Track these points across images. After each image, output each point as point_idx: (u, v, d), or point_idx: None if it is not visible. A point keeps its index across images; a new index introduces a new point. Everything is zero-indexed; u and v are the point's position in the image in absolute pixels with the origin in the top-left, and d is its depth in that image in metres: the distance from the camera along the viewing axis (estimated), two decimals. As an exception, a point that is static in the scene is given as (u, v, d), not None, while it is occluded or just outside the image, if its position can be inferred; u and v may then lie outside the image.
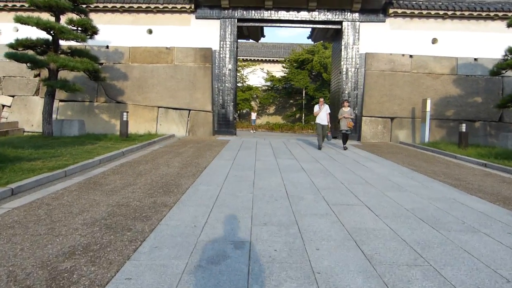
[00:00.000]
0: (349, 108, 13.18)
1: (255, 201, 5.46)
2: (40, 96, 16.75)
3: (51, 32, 12.52)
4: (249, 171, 7.81)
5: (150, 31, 17.23)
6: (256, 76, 43.70)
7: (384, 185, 6.80)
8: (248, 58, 45.53)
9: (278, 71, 44.66)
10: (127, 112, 13.27)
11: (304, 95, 41.75)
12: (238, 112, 44.31)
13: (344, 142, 12.98)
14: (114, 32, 17.09)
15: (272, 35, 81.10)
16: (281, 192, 6.01)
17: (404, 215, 4.95)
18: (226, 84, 17.07)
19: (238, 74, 43.67)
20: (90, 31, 13.22)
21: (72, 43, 13.98)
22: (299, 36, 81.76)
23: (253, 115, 30.22)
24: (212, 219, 4.56)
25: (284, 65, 42.96)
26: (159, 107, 16.90)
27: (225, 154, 10.53)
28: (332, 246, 3.78)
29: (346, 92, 16.95)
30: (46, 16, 13.04)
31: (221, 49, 17.07)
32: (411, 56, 16.88)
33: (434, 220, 4.76)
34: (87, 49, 14.53)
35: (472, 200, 5.94)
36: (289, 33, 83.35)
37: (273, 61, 46.69)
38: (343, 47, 16.94)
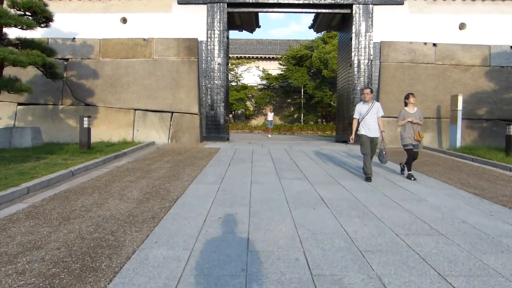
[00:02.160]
0: (416, 108, 8.02)
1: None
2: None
3: (-12, 16, 9.77)
4: (242, 208, 5.10)
5: (124, 20, 14.50)
6: (251, 75, 41.03)
7: (466, 237, 4.11)
8: (242, 55, 42.84)
9: (274, 69, 42.00)
10: (89, 117, 10.51)
11: (302, 93, 39.04)
12: (233, 113, 41.58)
13: (410, 166, 7.65)
14: (82, 21, 14.35)
15: (267, 34, 78.58)
16: (297, 266, 3.30)
17: None
18: (216, 81, 14.35)
19: (232, 72, 40.94)
20: (41, 16, 10.46)
21: (28, 33, 11.21)
22: (296, 34, 79.04)
23: (269, 116, 23.81)
24: None
25: (281, 62, 40.28)
26: (135, 109, 14.16)
27: (210, 173, 7.82)
28: None
29: (358, 88, 14.28)
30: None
31: (209, 39, 14.35)
32: (434, 44, 14.24)
33: None
34: (41, 40, 11.77)
35: None
36: (285, 32, 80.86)
37: (269, 59, 44.01)
38: (353, 35, 14.26)
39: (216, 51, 14.34)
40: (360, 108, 7.52)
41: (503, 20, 14.18)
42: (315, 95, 36.32)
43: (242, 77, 40.75)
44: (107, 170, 8.06)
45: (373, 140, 7.46)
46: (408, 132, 7.72)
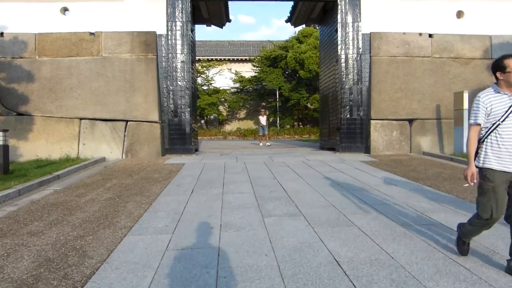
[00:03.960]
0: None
1: None
2: None
3: None
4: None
5: (65, 10, 11.97)
6: (223, 78, 38.73)
7: None
8: (214, 57, 40.55)
9: (248, 71, 39.86)
10: (5, 131, 7.94)
11: (278, 96, 37.01)
12: (205, 118, 39.10)
13: None
14: (12, 12, 11.74)
15: (238, 38, 76.65)
16: None
17: None
18: (179, 83, 12.01)
19: (202, 75, 38.43)
20: None
21: None
22: (267, 37, 77.38)
23: (262, 119, 18.93)
24: None
25: (254, 63, 38.20)
26: (81, 118, 11.63)
27: (162, 208, 5.50)
28: None
29: (346, 87, 12.27)
30: None
31: (170, 33, 12.01)
32: (430, 35, 12.42)
33: None
34: None
35: None
36: (256, 36, 79.24)
37: (241, 60, 41.87)
38: (339, 26, 12.25)
39: (179, 47, 12.01)
40: (491, 103, 3.15)
41: (505, 7, 12.53)
42: (291, 97, 34.41)
43: (213, 80, 38.47)
44: (13, 208, 5.61)
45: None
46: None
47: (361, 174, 8.14)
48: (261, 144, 18.58)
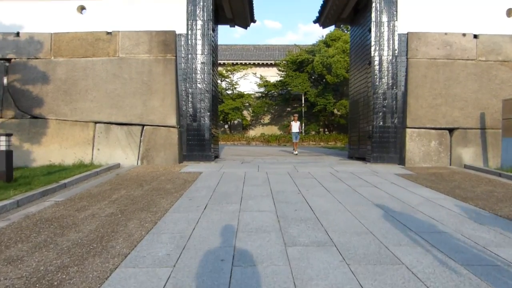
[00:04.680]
0: None
1: None
2: None
3: None
4: None
5: (82, 8, 11.50)
6: (248, 82, 38.10)
7: None
8: (239, 62, 40.03)
9: (273, 75, 39.08)
10: (9, 135, 7.37)
11: (303, 101, 36.01)
12: (228, 123, 38.49)
13: None
14: (27, 11, 11.36)
15: (264, 42, 76.18)
16: None
17: None
18: (199, 85, 11.30)
19: (227, 79, 37.91)
20: None
21: None
22: (293, 43, 76.45)
23: (295, 126, 17.25)
24: None
25: (279, 68, 37.39)
26: (96, 122, 11.08)
27: (168, 229, 4.71)
28: None
29: (380, 92, 11.24)
30: None
31: (190, 32, 11.34)
32: (475, 36, 11.26)
33: None
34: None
35: None
36: (282, 42, 78.55)
37: (267, 65, 41.14)
38: (373, 25, 11.26)
39: (199, 47, 11.31)
40: None
41: (561, 4, 11.23)
42: (317, 102, 33.36)
43: (238, 84, 37.90)
44: (2, 224, 4.94)
45: None
46: None
47: (398, 191, 7.14)
48: (295, 152, 16.80)
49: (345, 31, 34.40)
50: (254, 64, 39.65)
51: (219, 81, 36.94)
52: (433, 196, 6.68)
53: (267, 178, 8.41)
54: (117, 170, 9.91)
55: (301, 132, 20.01)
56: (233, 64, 38.21)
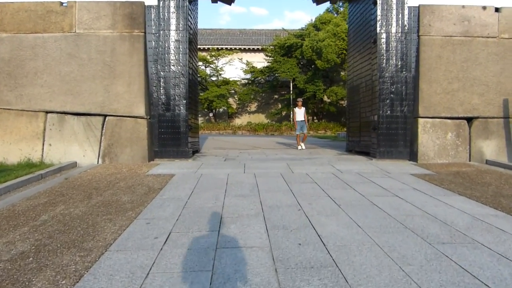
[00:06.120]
0: None
1: None
2: None
3: None
4: None
5: (28, -27, 9.44)
6: (233, 68, 36.13)
7: None
8: (224, 46, 37.94)
9: (260, 61, 37.17)
10: None
11: (292, 88, 34.26)
12: (213, 111, 36.55)
13: None
14: (-39, -24, 9.25)
15: (248, 26, 73.84)
16: None
17: None
18: (172, 68, 9.43)
19: (211, 65, 35.88)
20: None
21: None
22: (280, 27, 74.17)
23: (299, 113, 14.03)
24: None
25: (267, 53, 35.50)
26: (47, 111, 9.14)
27: None
28: None
29: (387, 75, 9.56)
30: None
31: (162, 3, 9.42)
32: (497, 9, 9.61)
33: None
34: None
35: None
36: (269, 27, 76.26)
37: (253, 50, 39.17)
38: (379, -4, 9.51)
39: (173, 21, 9.42)
40: None
41: None
42: (306, 89, 31.64)
43: (223, 70, 35.92)
44: None
45: None
46: None
47: (428, 202, 5.47)
48: (299, 147, 13.79)
49: (341, 7, 32.40)
50: (240, 49, 37.65)
51: (203, 67, 34.80)
52: (478, 211, 5.04)
53: (255, 183, 6.66)
54: (69, 171, 8.03)
55: (308, 121, 17.71)
56: (218, 49, 36.15)
